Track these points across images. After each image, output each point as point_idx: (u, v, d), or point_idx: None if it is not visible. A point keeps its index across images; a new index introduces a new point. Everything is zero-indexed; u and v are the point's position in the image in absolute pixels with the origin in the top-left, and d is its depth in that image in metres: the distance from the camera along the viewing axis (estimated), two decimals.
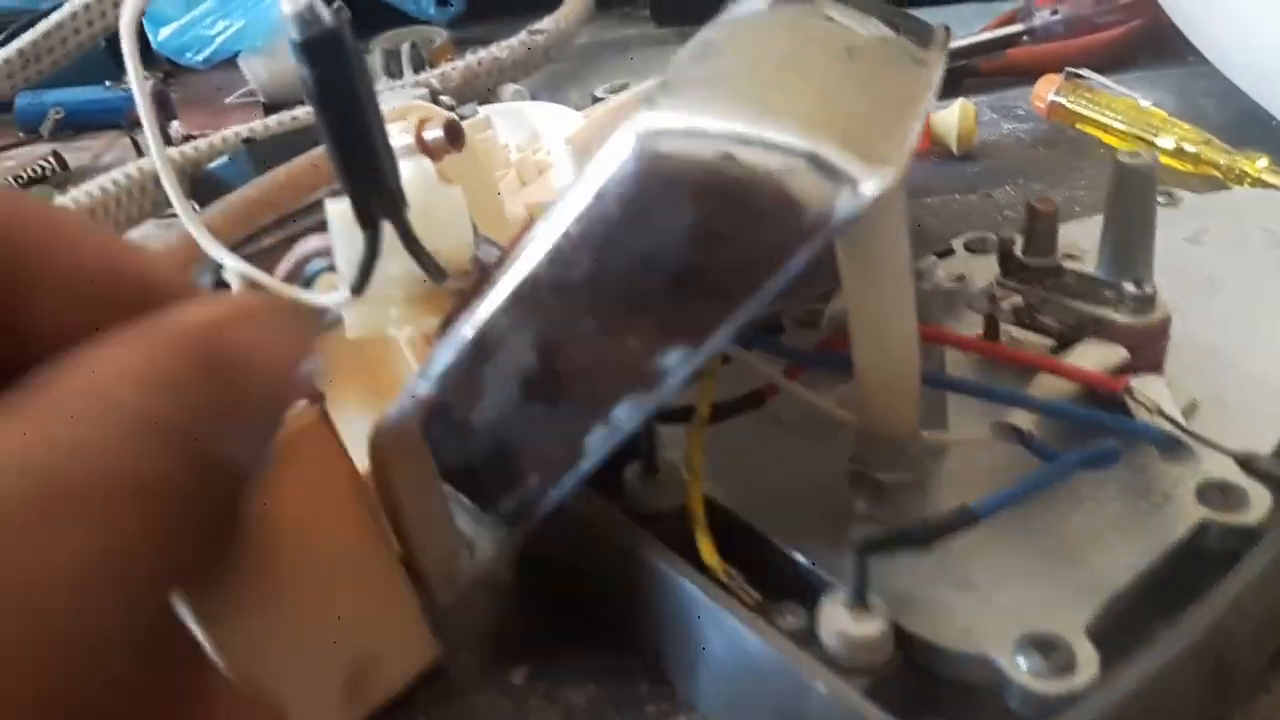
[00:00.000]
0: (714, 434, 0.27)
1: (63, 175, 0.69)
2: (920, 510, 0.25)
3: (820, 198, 0.20)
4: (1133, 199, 0.31)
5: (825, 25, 0.29)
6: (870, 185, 0.19)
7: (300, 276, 0.27)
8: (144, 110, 0.25)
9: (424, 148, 0.36)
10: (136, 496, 0.14)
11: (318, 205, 0.30)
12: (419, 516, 0.27)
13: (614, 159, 0.22)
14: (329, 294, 0.26)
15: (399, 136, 0.37)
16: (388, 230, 0.25)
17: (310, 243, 0.26)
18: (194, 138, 0.70)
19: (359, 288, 0.25)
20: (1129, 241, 0.31)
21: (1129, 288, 0.28)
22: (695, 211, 0.21)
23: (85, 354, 0.15)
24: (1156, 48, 0.65)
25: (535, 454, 0.25)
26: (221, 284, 0.27)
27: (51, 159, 0.69)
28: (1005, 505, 0.23)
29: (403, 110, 0.39)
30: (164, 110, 0.79)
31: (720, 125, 0.21)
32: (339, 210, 0.25)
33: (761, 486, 0.28)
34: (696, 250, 0.21)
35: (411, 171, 0.26)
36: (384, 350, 0.35)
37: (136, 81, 0.25)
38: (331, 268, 0.27)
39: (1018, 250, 0.31)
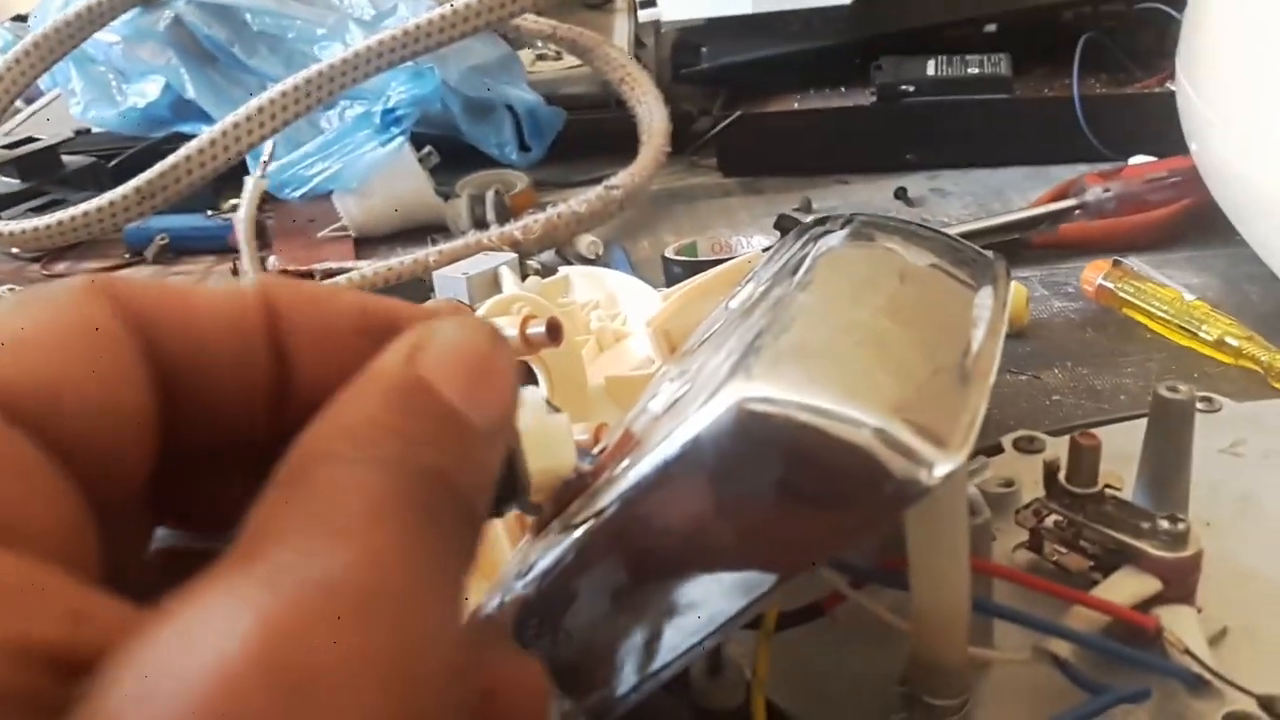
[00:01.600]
0: (777, 636, 0.30)
1: None
2: None
3: (896, 473, 0.23)
4: (1170, 431, 0.34)
5: (900, 272, 0.32)
6: (943, 467, 0.23)
7: None
8: None
9: (526, 342, 0.41)
10: (420, 549, 0.14)
11: None
12: None
13: (710, 416, 0.25)
14: None
15: (503, 330, 0.41)
16: None
17: None
18: (288, 273, 0.76)
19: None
20: (1166, 473, 0.34)
21: (1163, 524, 0.31)
22: (784, 470, 0.25)
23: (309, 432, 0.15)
24: (1205, 227, 0.67)
25: (619, 660, 0.28)
26: None
27: None
28: None
29: (507, 302, 0.43)
30: (259, 239, 0.85)
31: (809, 399, 0.24)
32: None
33: (820, 691, 0.31)
34: (781, 505, 0.25)
35: (526, 397, 0.30)
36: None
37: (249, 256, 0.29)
38: None
39: (1061, 476, 0.33)
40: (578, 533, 0.28)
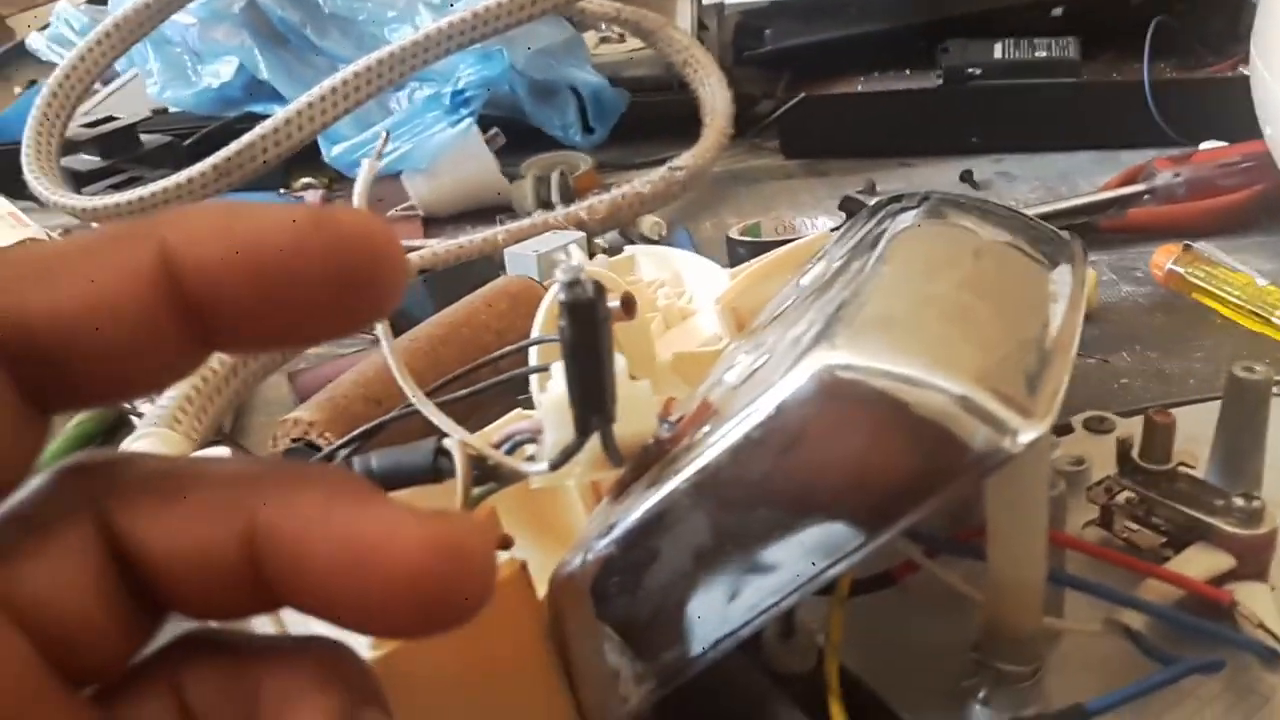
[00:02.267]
0: (848, 603, 0.31)
1: None
2: (1036, 699, 0.28)
3: (982, 440, 0.24)
4: (1245, 412, 0.34)
5: (976, 249, 0.33)
6: (1027, 435, 0.23)
7: (504, 446, 0.32)
8: None
9: None
10: None
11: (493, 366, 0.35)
12: (584, 661, 0.31)
13: (795, 382, 0.26)
14: (531, 465, 0.31)
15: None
16: None
17: (521, 424, 0.31)
18: None
19: (557, 467, 0.30)
20: (1240, 453, 0.34)
21: (1238, 501, 0.31)
22: (869, 435, 0.25)
23: None
24: (1278, 212, 0.67)
25: (697, 619, 0.29)
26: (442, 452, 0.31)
27: None
28: (1116, 706, 0.26)
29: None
30: None
31: (894, 367, 0.25)
32: (554, 400, 0.29)
33: (891, 658, 0.31)
34: (865, 470, 0.25)
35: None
36: (558, 494, 0.40)
37: None
38: (532, 440, 0.32)
39: (1134, 454, 0.34)
40: (662, 493, 0.29)
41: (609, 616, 0.31)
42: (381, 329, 0.32)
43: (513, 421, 0.34)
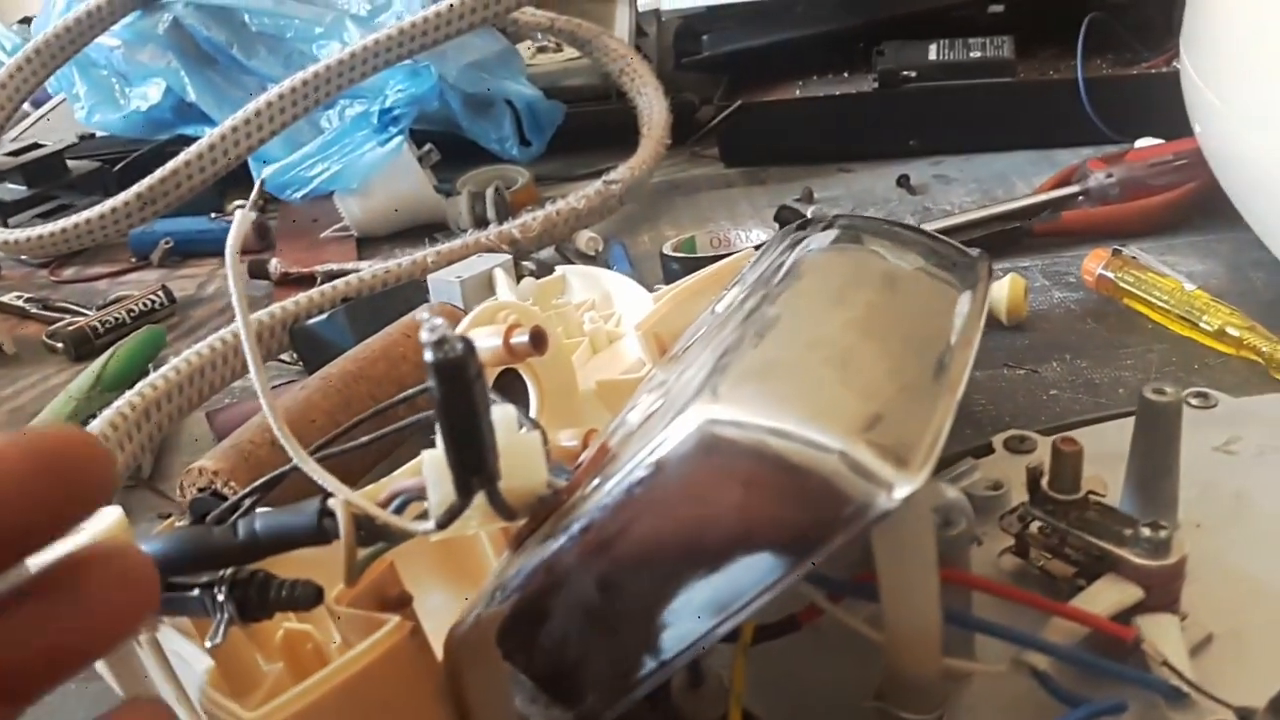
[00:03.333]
0: (757, 647, 0.30)
1: (169, 308, 0.75)
2: None
3: (857, 496, 0.23)
4: (1157, 434, 0.34)
5: (880, 277, 0.32)
6: (902, 489, 0.22)
7: (392, 504, 0.30)
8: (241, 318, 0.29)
9: (511, 351, 0.41)
10: None
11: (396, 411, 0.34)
12: (488, 715, 0.30)
13: (675, 438, 0.25)
14: (420, 524, 0.30)
15: (488, 340, 0.41)
16: None
17: (407, 483, 0.30)
18: (290, 275, 0.76)
19: (444, 526, 0.28)
20: (1153, 476, 0.33)
21: (1145, 531, 0.30)
22: (748, 491, 0.24)
23: None
24: (1211, 211, 0.66)
25: (593, 677, 0.28)
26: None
27: (161, 293, 0.74)
28: None
29: (493, 310, 0.43)
30: (264, 240, 0.85)
31: (771, 421, 0.24)
32: (434, 459, 0.28)
33: (798, 704, 0.31)
34: (742, 527, 0.24)
35: (496, 418, 0.30)
36: (466, 541, 0.39)
37: (241, 313, 0.29)
38: (421, 497, 0.31)
39: (1044, 484, 0.33)
40: (547, 553, 0.28)
41: (523, 666, 0.30)
42: (256, 379, 0.31)
43: (401, 478, 0.33)
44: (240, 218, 0.31)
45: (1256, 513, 0.37)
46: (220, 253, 0.86)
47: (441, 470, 0.28)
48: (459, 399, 0.26)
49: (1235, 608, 0.32)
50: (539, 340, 0.41)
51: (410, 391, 0.40)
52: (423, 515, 0.31)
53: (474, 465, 0.27)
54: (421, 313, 0.25)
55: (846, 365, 0.26)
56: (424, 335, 0.25)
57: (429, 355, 0.25)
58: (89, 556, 0.19)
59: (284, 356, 0.63)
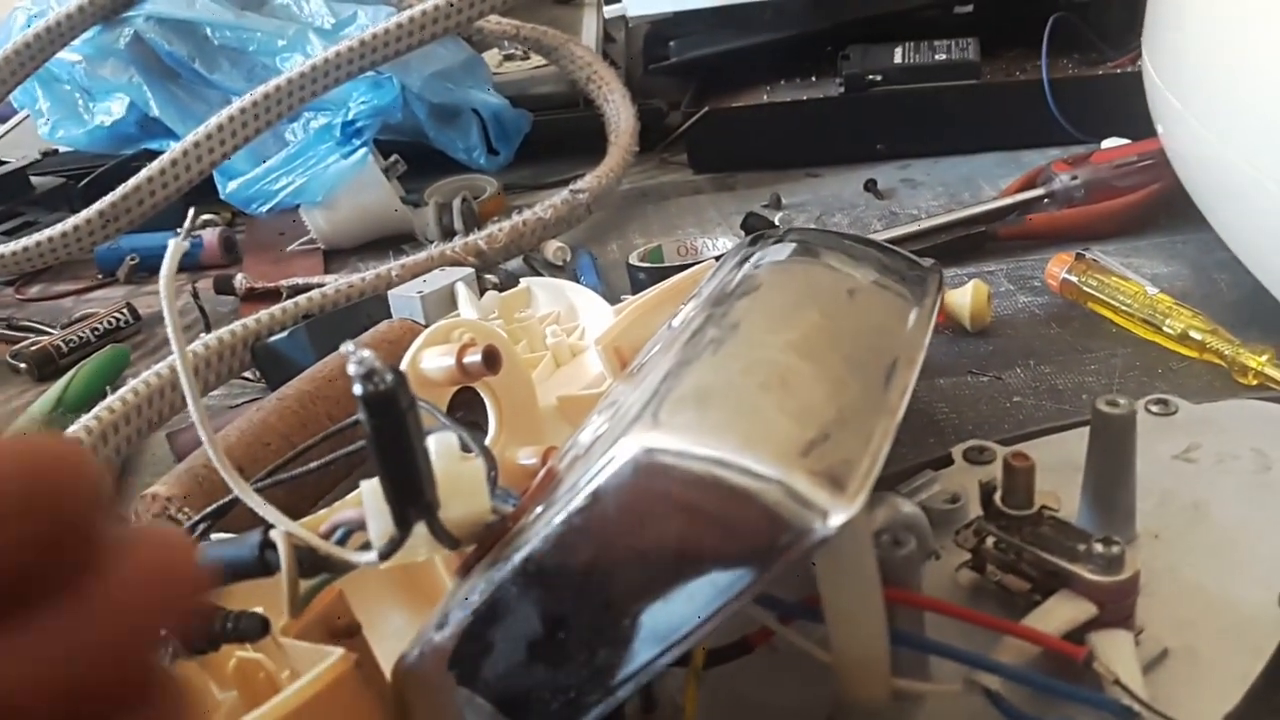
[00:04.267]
0: (710, 671, 0.30)
1: (134, 326, 0.74)
2: None
3: (793, 522, 0.22)
4: (1112, 446, 0.33)
5: (829, 293, 0.32)
6: (838, 516, 0.22)
7: (335, 535, 0.30)
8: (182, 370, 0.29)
9: (464, 371, 0.40)
10: None
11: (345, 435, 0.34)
12: None
13: (614, 466, 0.25)
14: (362, 554, 0.29)
15: (441, 359, 0.41)
16: None
17: (348, 514, 0.29)
18: (256, 290, 0.75)
19: (385, 557, 0.28)
20: (1108, 489, 0.33)
21: (1098, 547, 0.30)
22: (684, 520, 0.24)
23: None
24: (1176, 212, 0.66)
25: (541, 708, 0.28)
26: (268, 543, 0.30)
27: (125, 311, 0.74)
28: None
29: (447, 329, 0.42)
30: (230, 254, 0.84)
31: (709, 450, 0.24)
32: (371, 490, 0.28)
33: None
34: (681, 555, 0.24)
35: (435, 448, 0.29)
36: (423, 563, 0.38)
37: (177, 344, 0.29)
38: (363, 528, 0.30)
39: (997, 498, 0.33)
40: (492, 584, 0.28)
41: (480, 692, 0.29)
42: (194, 410, 0.30)
43: (343, 508, 0.32)
44: (173, 247, 0.31)
45: (1214, 522, 0.37)
46: (187, 268, 0.85)
47: (380, 501, 0.28)
48: (390, 431, 0.25)
49: (1191, 621, 0.32)
50: (492, 360, 0.40)
51: (347, 422, 0.40)
52: (366, 545, 0.30)
53: (410, 497, 0.27)
54: (347, 346, 0.25)
55: (785, 388, 0.25)
56: (351, 368, 0.25)
57: (357, 389, 0.25)
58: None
59: (247, 374, 0.62)
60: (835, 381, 0.26)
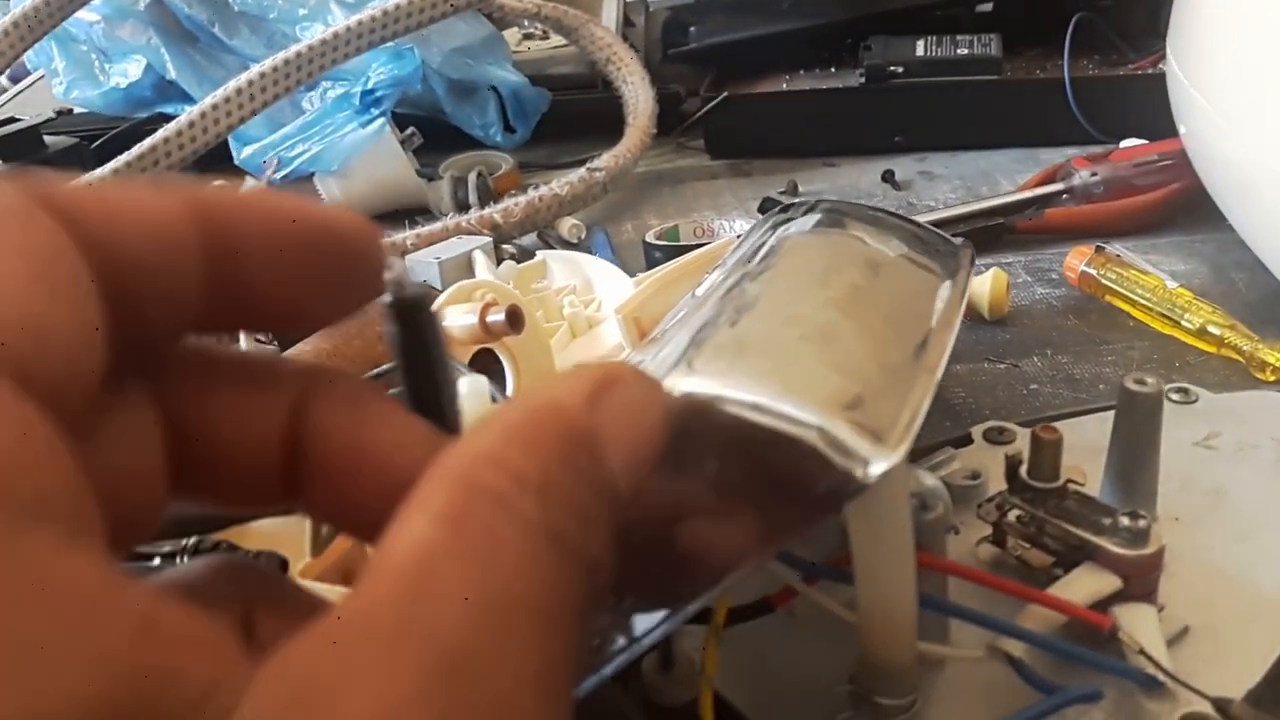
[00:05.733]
0: (730, 630, 0.30)
1: None
2: None
3: (831, 470, 0.22)
4: (1137, 425, 0.33)
5: (862, 260, 0.32)
6: (879, 465, 0.22)
7: None
8: None
9: (486, 329, 0.40)
10: (551, 615, 0.15)
11: None
12: None
13: None
14: None
15: (464, 317, 0.41)
16: None
17: None
18: None
19: None
20: (1132, 467, 0.33)
21: (1124, 521, 0.30)
22: (720, 464, 0.24)
23: (471, 451, 0.16)
24: (1194, 212, 0.66)
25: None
26: None
27: None
28: None
29: (470, 289, 0.42)
30: None
31: (744, 394, 0.23)
32: None
33: (771, 688, 0.30)
34: (718, 500, 0.24)
35: (466, 388, 0.29)
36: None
37: None
38: None
39: (1023, 471, 0.33)
40: None
41: None
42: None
43: None
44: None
45: (1234, 508, 0.37)
46: None
47: None
48: (417, 339, 0.25)
49: (1212, 602, 0.32)
50: (515, 319, 0.40)
51: (383, 368, 0.40)
52: None
53: (433, 413, 0.26)
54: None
55: (826, 342, 0.25)
56: (385, 277, 0.24)
57: (387, 297, 0.25)
58: None
59: (259, 336, 0.62)
60: (875, 339, 0.26)
